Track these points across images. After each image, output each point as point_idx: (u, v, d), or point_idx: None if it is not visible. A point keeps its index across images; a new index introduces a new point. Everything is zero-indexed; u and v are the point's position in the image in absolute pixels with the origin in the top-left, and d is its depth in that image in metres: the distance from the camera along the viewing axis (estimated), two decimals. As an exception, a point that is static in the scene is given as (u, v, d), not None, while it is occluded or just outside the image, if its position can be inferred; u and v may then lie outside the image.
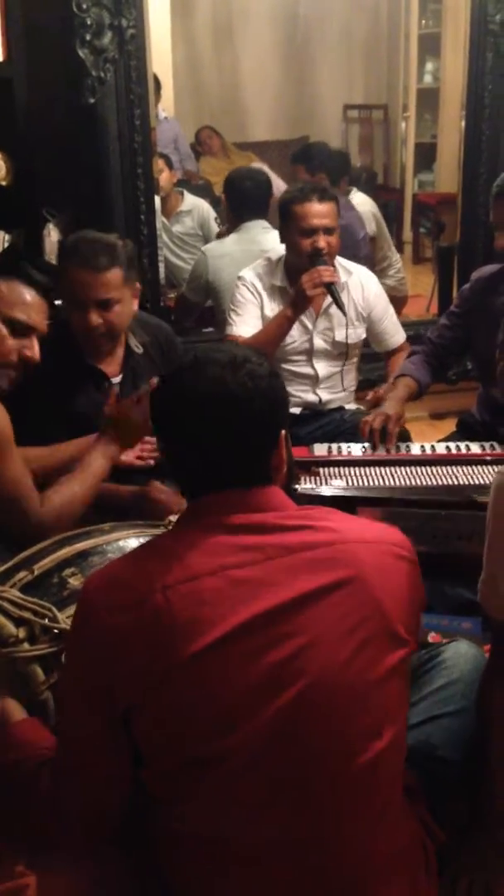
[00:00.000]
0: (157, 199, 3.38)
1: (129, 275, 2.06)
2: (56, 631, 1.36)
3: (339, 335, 2.63)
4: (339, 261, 2.65)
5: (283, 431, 1.19)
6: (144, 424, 1.78)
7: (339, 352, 2.67)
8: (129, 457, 1.97)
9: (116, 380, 2.19)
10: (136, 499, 2.01)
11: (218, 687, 1.05)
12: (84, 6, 2.88)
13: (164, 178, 3.73)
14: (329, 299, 2.53)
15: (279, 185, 3.94)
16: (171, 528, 1.64)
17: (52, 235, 3.20)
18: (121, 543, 1.53)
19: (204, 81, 4.95)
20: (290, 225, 2.52)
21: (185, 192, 3.95)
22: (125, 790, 1.14)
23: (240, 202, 3.25)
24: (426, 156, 4.90)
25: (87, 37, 2.91)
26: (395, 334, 2.76)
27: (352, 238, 3.31)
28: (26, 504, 1.63)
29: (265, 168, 4.29)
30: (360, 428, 2.28)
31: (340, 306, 2.50)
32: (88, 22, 2.90)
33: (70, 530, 1.61)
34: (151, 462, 1.98)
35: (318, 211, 2.46)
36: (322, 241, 2.46)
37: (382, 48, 5.05)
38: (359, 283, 2.67)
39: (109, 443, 1.81)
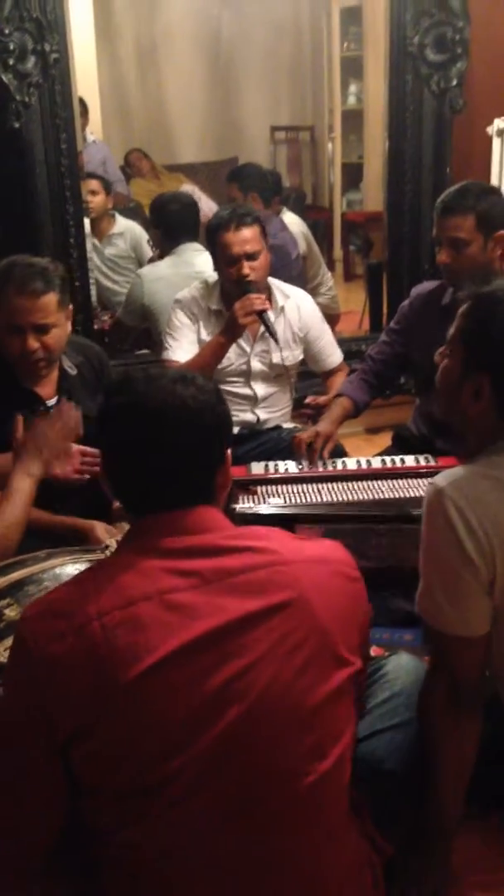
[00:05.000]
0: (87, 222, 3.36)
1: (63, 298, 2.07)
2: (-7, 664, 1.33)
3: (276, 357, 2.64)
4: (277, 284, 2.67)
5: (229, 450, 1.20)
6: (63, 442, 1.87)
7: (277, 373, 2.68)
8: (65, 470, 1.93)
9: (51, 402, 2.17)
10: (74, 534, 2.00)
11: (159, 712, 1.04)
12: (6, 31, 2.86)
13: (99, 201, 3.69)
14: None
15: (210, 206, 3.96)
16: (108, 553, 1.63)
17: (-20, 260, 3.15)
18: (57, 571, 1.50)
19: (131, 104, 4.96)
20: (215, 252, 2.53)
21: (118, 215, 3.93)
22: (59, 823, 1.11)
23: (168, 227, 3.26)
24: (353, 175, 5.00)
25: (10, 61, 2.89)
26: (332, 354, 2.78)
27: (285, 258, 3.34)
28: None
29: (195, 189, 4.31)
30: (292, 444, 2.30)
31: (272, 334, 2.50)
32: (11, 46, 2.88)
33: (7, 558, 1.59)
34: (87, 476, 1.95)
35: (239, 238, 2.45)
36: (246, 268, 2.46)
37: (306, 70, 5.15)
38: (295, 305, 2.68)
39: (30, 463, 1.81)
